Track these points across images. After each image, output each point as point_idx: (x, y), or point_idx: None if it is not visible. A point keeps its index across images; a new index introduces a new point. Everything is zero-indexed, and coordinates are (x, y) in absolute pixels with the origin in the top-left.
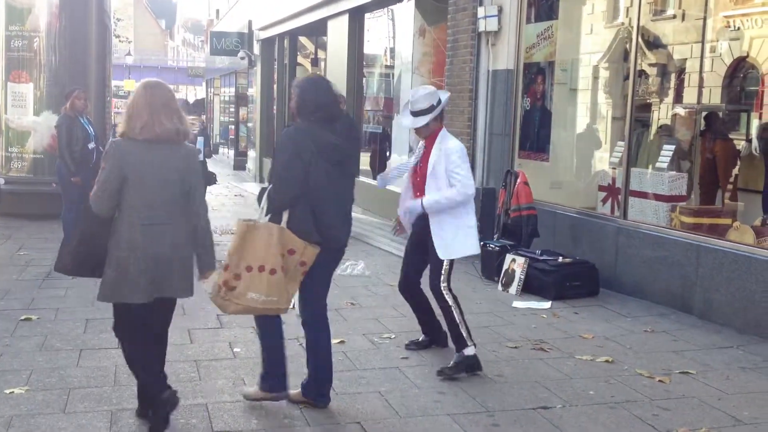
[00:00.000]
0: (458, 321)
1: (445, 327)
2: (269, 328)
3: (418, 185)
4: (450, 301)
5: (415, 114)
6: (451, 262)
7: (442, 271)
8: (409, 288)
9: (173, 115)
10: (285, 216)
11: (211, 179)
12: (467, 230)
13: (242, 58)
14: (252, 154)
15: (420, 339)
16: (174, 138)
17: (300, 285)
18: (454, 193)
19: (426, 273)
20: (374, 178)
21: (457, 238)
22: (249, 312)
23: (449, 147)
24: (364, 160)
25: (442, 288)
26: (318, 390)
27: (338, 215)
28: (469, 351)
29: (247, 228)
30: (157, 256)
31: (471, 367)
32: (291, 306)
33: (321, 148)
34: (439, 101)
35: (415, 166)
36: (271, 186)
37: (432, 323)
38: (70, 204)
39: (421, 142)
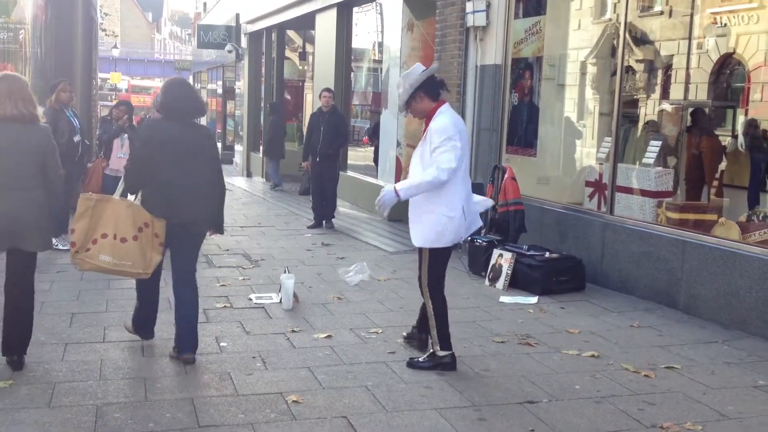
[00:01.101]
0: (431, 323)
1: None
2: (145, 284)
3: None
4: (429, 303)
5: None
6: (434, 255)
7: (425, 265)
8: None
9: (20, 100)
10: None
11: None
12: (445, 219)
13: (230, 52)
14: (239, 148)
15: (410, 332)
16: (20, 119)
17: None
18: (427, 177)
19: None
20: (363, 172)
21: (433, 228)
22: (101, 271)
23: (431, 127)
24: (353, 155)
25: (424, 286)
26: (178, 341)
27: (185, 196)
28: (440, 353)
29: (96, 202)
30: (7, 214)
31: (443, 365)
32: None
33: (166, 140)
34: (411, 84)
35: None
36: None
37: (424, 321)
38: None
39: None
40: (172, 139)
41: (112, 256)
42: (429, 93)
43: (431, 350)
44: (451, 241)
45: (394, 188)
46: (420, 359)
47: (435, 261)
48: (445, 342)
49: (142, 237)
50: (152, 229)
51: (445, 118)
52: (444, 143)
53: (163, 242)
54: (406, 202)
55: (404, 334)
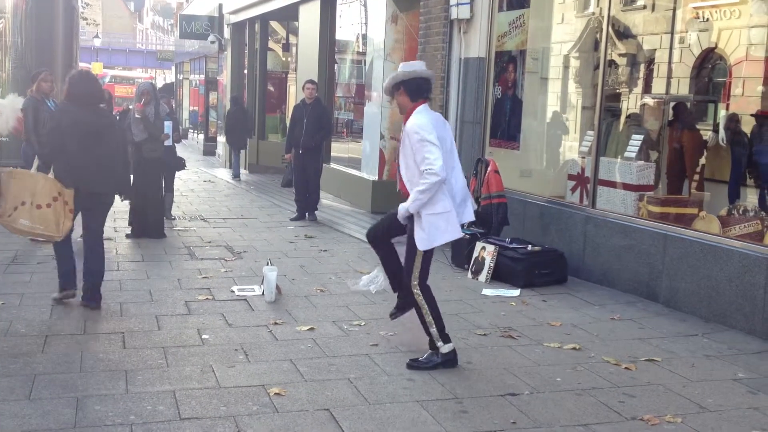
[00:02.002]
0: (428, 321)
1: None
2: (60, 245)
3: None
4: (420, 300)
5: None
6: (427, 255)
7: (416, 267)
8: (377, 238)
9: None
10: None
11: (180, 165)
12: (433, 218)
13: (212, 42)
14: (222, 139)
15: (396, 304)
16: None
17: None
18: (420, 188)
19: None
20: (347, 164)
21: (427, 228)
22: (22, 234)
23: (406, 128)
24: (336, 146)
25: (412, 285)
26: (85, 291)
27: (91, 168)
28: (443, 349)
29: (13, 174)
30: None
31: (446, 363)
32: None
33: (72, 122)
34: (393, 77)
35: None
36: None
37: (399, 278)
38: None
39: None
40: (77, 121)
41: (29, 221)
42: (408, 91)
43: (429, 352)
44: (451, 237)
45: (407, 207)
46: (421, 359)
47: (426, 261)
48: (445, 334)
49: (55, 205)
50: (63, 197)
51: (419, 117)
52: (421, 145)
53: (72, 209)
54: (385, 196)
55: (396, 306)
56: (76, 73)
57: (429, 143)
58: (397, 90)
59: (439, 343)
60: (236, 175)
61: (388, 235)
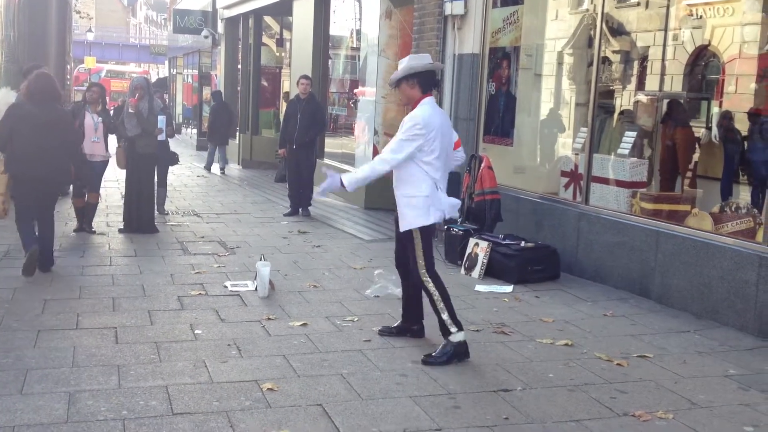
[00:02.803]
0: (440, 308)
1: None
2: (23, 226)
3: None
4: (431, 288)
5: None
6: (424, 234)
7: (417, 248)
8: (401, 265)
9: None
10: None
11: (174, 159)
12: (420, 199)
13: (206, 37)
14: None
15: (394, 325)
16: None
17: None
18: (372, 162)
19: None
20: (340, 160)
21: (413, 209)
22: None
23: (406, 117)
24: (330, 143)
25: (420, 274)
26: (40, 265)
27: (34, 157)
28: (455, 338)
29: None
30: None
31: (459, 355)
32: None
33: (24, 115)
34: (409, 68)
35: None
36: None
37: (411, 311)
38: None
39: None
40: (30, 115)
41: None
42: (422, 83)
43: (443, 343)
44: (437, 217)
45: (341, 179)
46: (434, 354)
47: (426, 240)
48: (458, 321)
49: None
50: (3, 182)
51: (424, 108)
52: (408, 131)
53: (4, 192)
54: (378, 192)
55: (393, 328)
56: (35, 74)
57: (413, 141)
58: (410, 81)
59: (453, 329)
60: (207, 167)
61: (403, 253)
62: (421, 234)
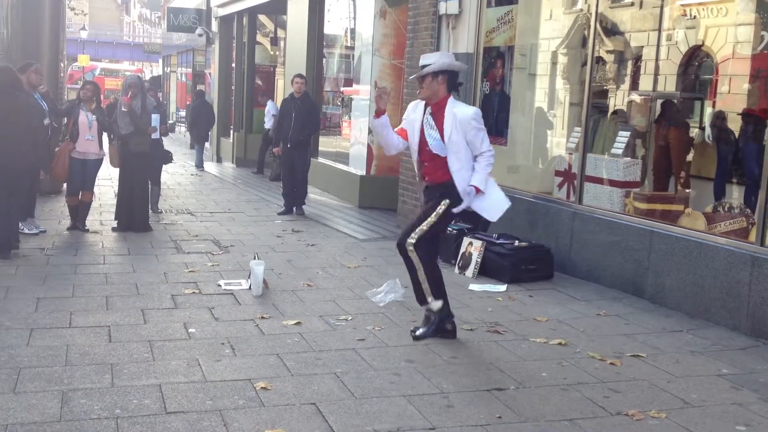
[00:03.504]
0: (420, 277)
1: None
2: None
3: (427, 155)
4: (415, 256)
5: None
6: (443, 221)
7: (420, 227)
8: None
9: None
10: None
11: (167, 158)
12: (495, 188)
13: (200, 36)
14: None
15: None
16: None
17: None
18: (488, 162)
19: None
20: (334, 159)
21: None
22: None
23: (466, 114)
24: (325, 141)
25: (407, 243)
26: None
27: (3, 145)
28: (433, 305)
29: None
30: None
31: (445, 333)
32: None
33: None
34: (446, 64)
35: (421, 134)
36: None
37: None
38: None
39: (414, 108)
40: None
41: None
42: (449, 82)
43: (424, 313)
44: (507, 204)
45: (474, 187)
46: (420, 330)
47: (444, 223)
48: (441, 291)
49: None
50: None
51: (469, 106)
52: (477, 131)
53: None
54: (372, 191)
55: (414, 331)
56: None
57: (485, 131)
58: (437, 77)
59: (429, 298)
60: (200, 165)
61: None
62: (445, 212)
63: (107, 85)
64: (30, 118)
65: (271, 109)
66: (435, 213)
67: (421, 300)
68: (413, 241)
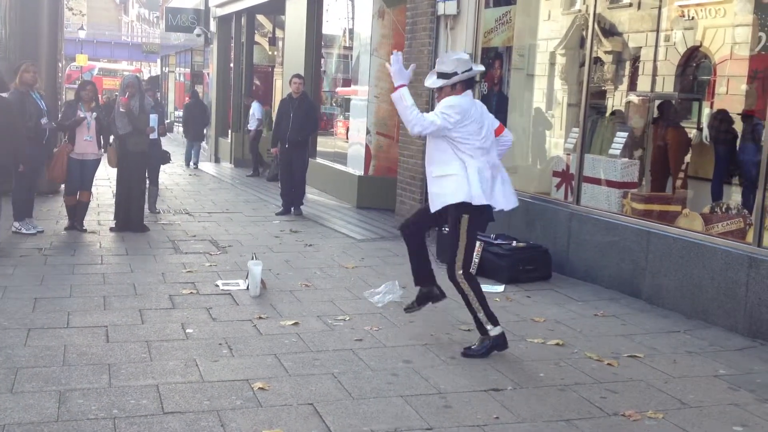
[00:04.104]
0: (475, 307)
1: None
2: None
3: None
4: (465, 288)
5: (439, 75)
6: (469, 246)
7: (457, 257)
8: (409, 230)
9: None
10: None
11: (165, 158)
12: (459, 178)
13: (198, 36)
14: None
15: (415, 299)
16: None
17: None
18: (412, 115)
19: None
20: (333, 159)
21: (451, 185)
22: None
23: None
24: (323, 142)
25: (457, 275)
26: None
27: None
28: (493, 332)
29: None
30: None
31: (498, 346)
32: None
33: None
34: (462, 72)
35: None
36: None
37: (424, 273)
38: (21, 180)
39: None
40: None
41: None
42: (466, 86)
43: (479, 338)
44: (485, 199)
45: (401, 85)
46: (473, 347)
47: (469, 250)
48: (493, 317)
49: None
50: None
51: (462, 98)
52: (443, 109)
53: None
54: (370, 191)
55: (414, 302)
56: None
57: (448, 114)
58: (456, 86)
59: (489, 326)
60: (195, 164)
61: (419, 227)
62: (468, 224)
63: (105, 84)
64: (9, 113)
65: (255, 112)
66: (459, 235)
67: (483, 332)
68: (460, 271)
